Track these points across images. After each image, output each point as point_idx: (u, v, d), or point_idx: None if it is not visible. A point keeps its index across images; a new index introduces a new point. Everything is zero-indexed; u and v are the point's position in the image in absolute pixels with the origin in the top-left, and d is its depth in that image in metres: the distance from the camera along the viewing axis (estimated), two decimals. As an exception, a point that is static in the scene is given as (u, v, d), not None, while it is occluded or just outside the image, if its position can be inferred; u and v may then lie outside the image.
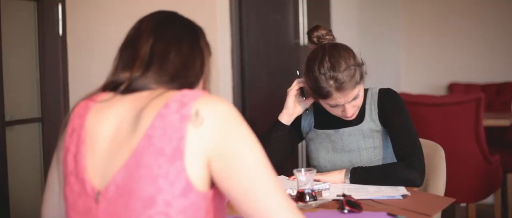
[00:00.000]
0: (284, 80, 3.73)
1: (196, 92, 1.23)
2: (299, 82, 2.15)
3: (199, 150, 1.17)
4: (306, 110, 2.20)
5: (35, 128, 3.07)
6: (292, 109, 2.17)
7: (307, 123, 2.25)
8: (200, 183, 1.18)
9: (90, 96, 1.32)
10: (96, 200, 1.22)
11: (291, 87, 2.16)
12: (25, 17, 3.04)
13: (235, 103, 3.15)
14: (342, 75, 1.99)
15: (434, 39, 5.63)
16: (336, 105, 2.06)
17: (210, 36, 3.38)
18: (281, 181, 2.10)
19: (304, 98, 2.16)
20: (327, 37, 2.13)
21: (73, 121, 1.30)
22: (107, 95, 1.30)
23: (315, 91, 2.04)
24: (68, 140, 1.30)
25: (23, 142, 3.00)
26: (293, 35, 3.78)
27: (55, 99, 3.08)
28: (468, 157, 3.74)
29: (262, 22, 3.43)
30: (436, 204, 1.84)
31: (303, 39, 3.83)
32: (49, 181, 1.38)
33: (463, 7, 5.53)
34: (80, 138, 1.27)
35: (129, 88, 1.28)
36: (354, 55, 2.07)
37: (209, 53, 1.39)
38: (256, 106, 3.29)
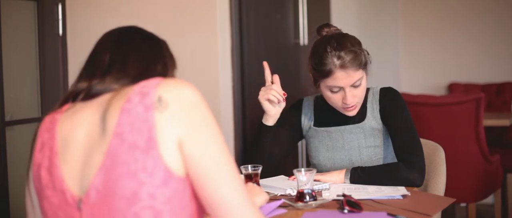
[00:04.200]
0: (284, 80, 3.72)
1: (155, 80, 1.22)
2: (266, 89, 2.15)
3: (170, 134, 1.17)
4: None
5: (35, 127, 3.07)
6: (272, 110, 2.18)
7: (307, 121, 2.25)
8: (179, 168, 1.18)
9: (54, 110, 1.32)
10: (79, 208, 1.21)
11: (260, 95, 2.17)
12: (25, 17, 3.04)
13: (235, 103, 3.15)
14: (347, 54, 2.03)
15: (434, 39, 5.63)
16: (337, 90, 2.06)
17: (210, 37, 3.38)
18: (281, 180, 2.10)
19: (278, 102, 2.15)
20: (336, 32, 2.17)
21: (42, 136, 1.30)
22: (71, 105, 1.31)
23: (317, 71, 2.06)
24: (38, 155, 1.29)
25: (23, 142, 2.99)
26: (293, 35, 3.78)
27: (55, 99, 3.08)
28: (468, 157, 3.74)
29: (262, 22, 3.43)
30: (436, 204, 1.83)
31: (303, 39, 3.83)
32: (28, 205, 1.35)
33: (463, 7, 5.53)
34: (52, 151, 1.26)
35: (90, 94, 1.28)
36: (360, 43, 2.11)
37: (173, 64, 1.39)
38: (256, 106, 3.28)
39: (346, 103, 2.07)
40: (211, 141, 1.20)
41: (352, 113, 2.11)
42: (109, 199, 1.17)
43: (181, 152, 1.18)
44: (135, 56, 1.32)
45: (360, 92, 2.09)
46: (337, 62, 2.02)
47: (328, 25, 2.17)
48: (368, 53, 2.12)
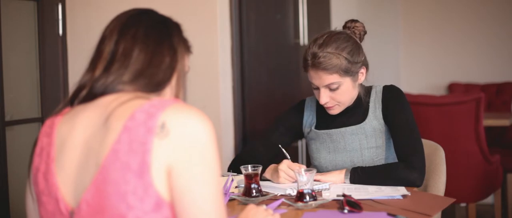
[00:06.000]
0: (284, 80, 3.74)
1: (166, 101, 1.17)
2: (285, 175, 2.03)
3: (163, 161, 1.12)
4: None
5: (35, 128, 3.06)
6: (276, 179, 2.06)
7: (309, 122, 2.24)
8: (168, 195, 1.14)
9: (56, 113, 1.29)
10: None
11: (281, 176, 2.02)
12: (25, 17, 3.04)
13: (235, 103, 3.15)
14: (323, 55, 2.00)
15: (434, 39, 5.63)
16: (315, 87, 2.08)
17: (210, 36, 3.38)
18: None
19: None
20: (359, 27, 2.15)
21: (41, 140, 1.27)
22: (71, 108, 1.27)
23: (302, 63, 2.08)
24: (37, 159, 1.26)
25: (23, 142, 2.99)
26: (293, 35, 3.78)
27: (55, 99, 3.08)
28: (468, 157, 3.74)
29: (262, 22, 3.43)
30: (436, 204, 1.83)
31: (303, 39, 3.83)
32: (29, 204, 1.34)
33: (463, 7, 5.53)
34: (49, 156, 1.23)
35: (92, 93, 1.24)
36: (354, 52, 2.06)
37: (186, 50, 1.32)
38: (256, 106, 3.29)
39: (320, 102, 2.08)
40: (200, 180, 1.13)
41: (331, 112, 2.12)
42: (98, 216, 1.14)
43: (168, 180, 1.13)
44: (139, 46, 1.25)
45: (338, 96, 2.07)
46: (310, 60, 2.03)
47: (354, 21, 2.15)
48: (355, 62, 2.04)
